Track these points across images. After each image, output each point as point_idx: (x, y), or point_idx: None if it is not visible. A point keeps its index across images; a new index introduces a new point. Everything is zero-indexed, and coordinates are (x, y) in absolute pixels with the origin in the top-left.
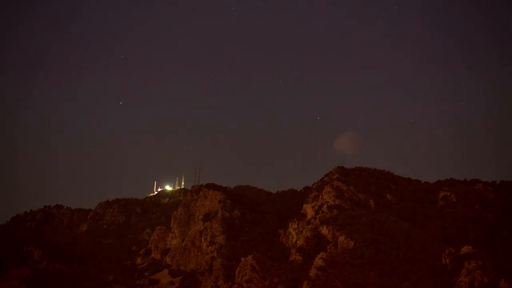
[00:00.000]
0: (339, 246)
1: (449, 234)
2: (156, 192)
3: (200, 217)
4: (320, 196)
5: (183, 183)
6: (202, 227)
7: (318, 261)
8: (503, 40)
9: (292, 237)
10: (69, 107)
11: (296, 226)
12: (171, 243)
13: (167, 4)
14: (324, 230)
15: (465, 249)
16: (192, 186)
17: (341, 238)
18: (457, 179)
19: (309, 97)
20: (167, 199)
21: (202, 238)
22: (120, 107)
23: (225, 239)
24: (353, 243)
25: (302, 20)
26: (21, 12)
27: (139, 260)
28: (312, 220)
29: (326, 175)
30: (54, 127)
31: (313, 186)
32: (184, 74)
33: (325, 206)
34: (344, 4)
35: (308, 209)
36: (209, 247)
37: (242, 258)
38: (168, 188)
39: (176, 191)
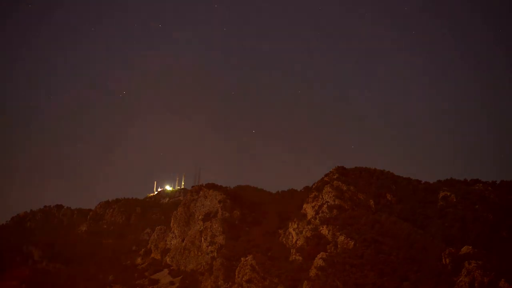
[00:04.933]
0: (339, 246)
1: (449, 234)
2: (156, 192)
3: (200, 217)
4: (320, 196)
5: (183, 183)
6: (202, 227)
7: (318, 261)
8: (504, 40)
9: (292, 237)
10: (69, 107)
11: (296, 226)
12: (171, 243)
13: (165, 2)
14: (324, 230)
15: (465, 249)
16: (192, 186)
17: (341, 238)
18: (457, 179)
19: (310, 97)
20: (167, 199)
21: (202, 238)
22: (121, 107)
23: (225, 239)
24: (353, 243)
25: (302, 19)
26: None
27: (139, 260)
28: (312, 220)
29: (326, 175)
30: (54, 126)
31: (313, 186)
32: (185, 73)
33: (325, 206)
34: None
35: (308, 209)
36: (209, 247)
37: (242, 258)
38: (168, 188)
39: (176, 191)
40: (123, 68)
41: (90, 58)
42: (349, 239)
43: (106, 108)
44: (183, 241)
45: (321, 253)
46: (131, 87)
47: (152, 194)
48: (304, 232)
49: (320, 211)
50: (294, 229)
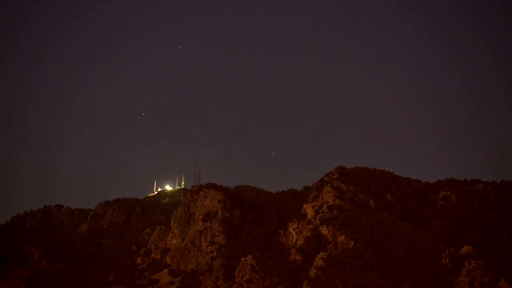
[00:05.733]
0: (339, 246)
1: (449, 234)
2: (156, 192)
3: (200, 217)
4: (320, 196)
5: (183, 183)
6: (202, 227)
7: (318, 261)
8: (503, 41)
9: (292, 237)
10: (70, 107)
11: (296, 226)
12: (171, 243)
13: (172, 5)
14: (324, 230)
15: (465, 249)
16: (192, 186)
17: (341, 238)
18: (457, 179)
19: (309, 97)
20: (167, 199)
21: (202, 238)
22: (120, 107)
23: (225, 239)
24: (353, 243)
25: (301, 21)
26: (26, 11)
27: (139, 260)
28: (312, 220)
29: (326, 175)
30: (54, 127)
31: (313, 186)
32: (185, 74)
33: (325, 206)
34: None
35: (308, 209)
36: (209, 247)
37: (242, 258)
38: (168, 188)
39: (176, 191)
40: (122, 69)
41: (95, 65)
42: (349, 239)
43: (107, 110)
44: (183, 241)
45: (321, 253)
46: (131, 88)
47: (152, 194)
48: (304, 232)
49: (320, 211)
50: (294, 229)
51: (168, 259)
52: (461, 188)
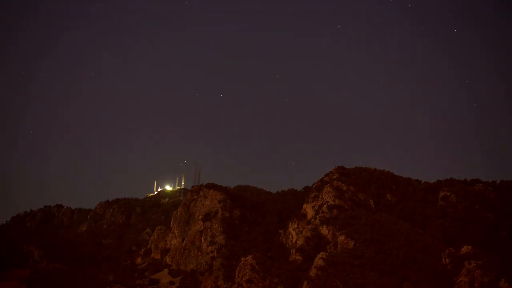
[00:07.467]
0: (339, 246)
1: (449, 234)
2: (156, 192)
3: (200, 217)
4: (320, 196)
5: (183, 183)
6: (202, 227)
7: (318, 261)
8: (503, 40)
9: (292, 237)
10: (69, 107)
11: (296, 226)
12: (171, 243)
13: (170, 4)
14: (324, 230)
15: (465, 249)
16: (192, 186)
17: (341, 238)
18: (457, 179)
19: (309, 96)
20: (167, 199)
21: (202, 238)
22: (120, 107)
23: (225, 239)
24: (353, 243)
25: (302, 21)
26: (25, 10)
27: (139, 260)
28: (312, 220)
29: (326, 175)
30: (54, 127)
31: (313, 186)
32: (185, 73)
33: (325, 206)
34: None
35: (308, 209)
36: (209, 247)
37: (242, 258)
38: (168, 188)
39: (176, 191)
40: (122, 68)
41: (95, 65)
42: (349, 239)
43: (107, 110)
44: (183, 241)
45: (321, 253)
46: (132, 88)
47: (152, 194)
48: (304, 232)
49: (320, 211)
50: (294, 229)
51: (168, 259)
52: (461, 188)
